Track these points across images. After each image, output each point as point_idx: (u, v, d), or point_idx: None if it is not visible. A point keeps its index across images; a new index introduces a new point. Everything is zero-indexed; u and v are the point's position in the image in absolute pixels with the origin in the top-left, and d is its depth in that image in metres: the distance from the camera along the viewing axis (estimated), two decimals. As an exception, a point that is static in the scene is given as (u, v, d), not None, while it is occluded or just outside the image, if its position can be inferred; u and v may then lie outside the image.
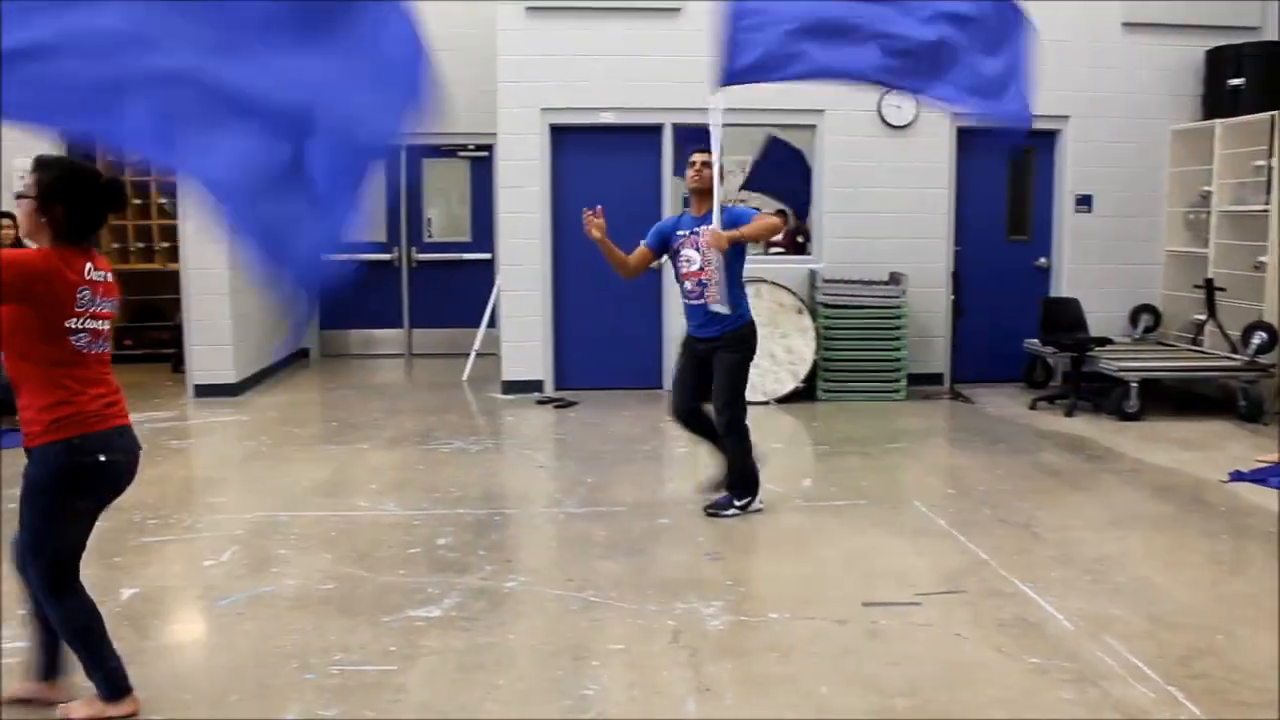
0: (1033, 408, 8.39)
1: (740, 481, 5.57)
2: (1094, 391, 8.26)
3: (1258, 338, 7.93)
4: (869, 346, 8.74)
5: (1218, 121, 8.74)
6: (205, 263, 8.88)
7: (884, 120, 9.06)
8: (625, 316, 9.07)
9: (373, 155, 2.99)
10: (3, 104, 2.57)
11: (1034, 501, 5.83)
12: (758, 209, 10.17)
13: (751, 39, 4.99)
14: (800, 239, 10.19)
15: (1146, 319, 9.35)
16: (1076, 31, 9.09)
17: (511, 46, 8.89)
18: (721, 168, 5.52)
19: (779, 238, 10.78)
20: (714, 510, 5.53)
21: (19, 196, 3.16)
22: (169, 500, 5.86)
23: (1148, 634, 4.01)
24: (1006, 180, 9.54)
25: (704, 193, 5.41)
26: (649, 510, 5.68)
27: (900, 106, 9.02)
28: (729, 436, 5.52)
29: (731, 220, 5.36)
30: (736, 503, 5.55)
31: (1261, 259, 8.16)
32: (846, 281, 8.83)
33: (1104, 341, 8.47)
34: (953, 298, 9.05)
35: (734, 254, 5.37)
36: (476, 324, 10.17)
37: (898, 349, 8.75)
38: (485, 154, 11.14)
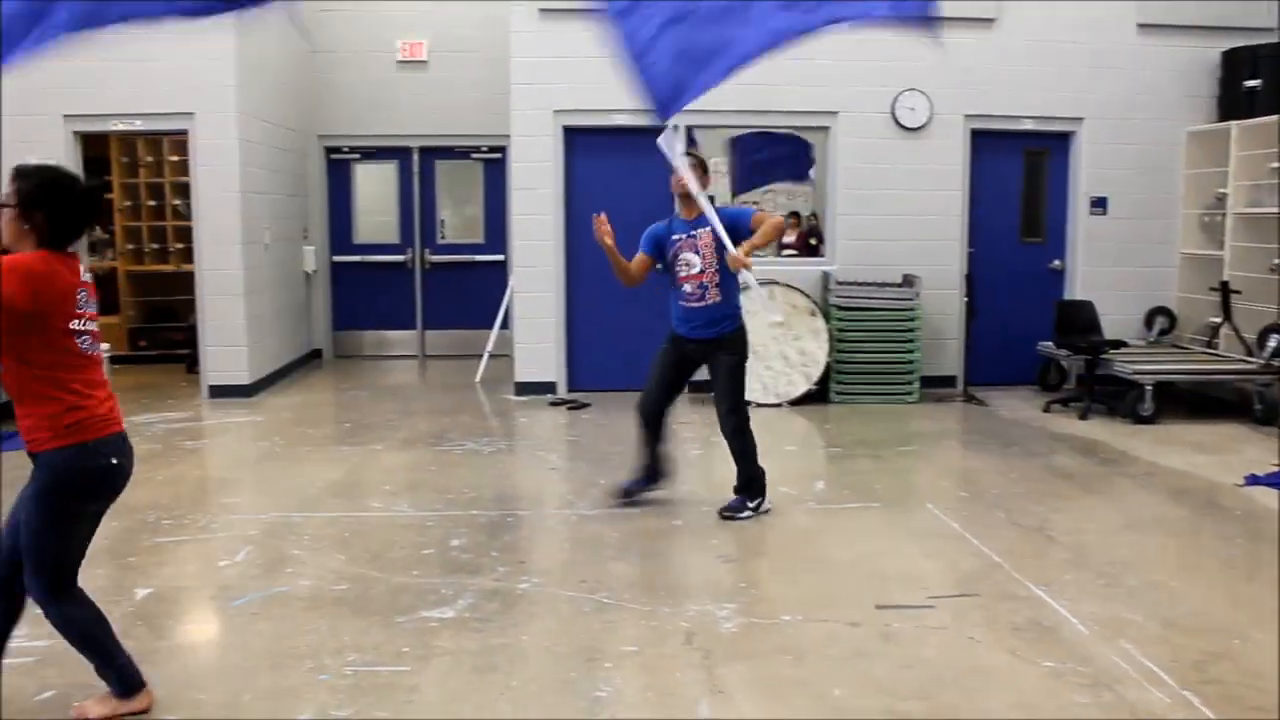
0: (1046, 410, 8.36)
1: (751, 483, 5.59)
2: (1108, 394, 8.23)
3: (1274, 341, 7.89)
4: (882, 349, 8.72)
5: (1233, 123, 8.70)
6: (220, 264, 8.92)
7: (897, 122, 9.04)
8: (638, 318, 9.06)
9: None
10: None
11: (1047, 505, 5.81)
12: (757, 204, 10.20)
13: (651, 66, 4.80)
14: (813, 241, 10.20)
15: (1161, 322, 9.31)
16: (1091, 33, 9.07)
17: (524, 48, 8.91)
18: (701, 163, 5.53)
19: (792, 239, 10.79)
20: (729, 513, 5.53)
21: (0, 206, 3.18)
22: (183, 500, 5.89)
23: (1162, 638, 3.99)
24: (1020, 182, 9.51)
25: (686, 197, 5.42)
26: (662, 512, 5.67)
27: (914, 109, 9.01)
28: (737, 439, 5.54)
29: (729, 220, 5.32)
30: (749, 504, 5.56)
31: (1277, 261, 8.12)
32: (860, 283, 8.82)
33: (1118, 344, 8.43)
34: (966, 300, 9.02)
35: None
36: (489, 325, 10.19)
37: (911, 351, 8.73)
38: (498, 156, 11.16)
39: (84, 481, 3.18)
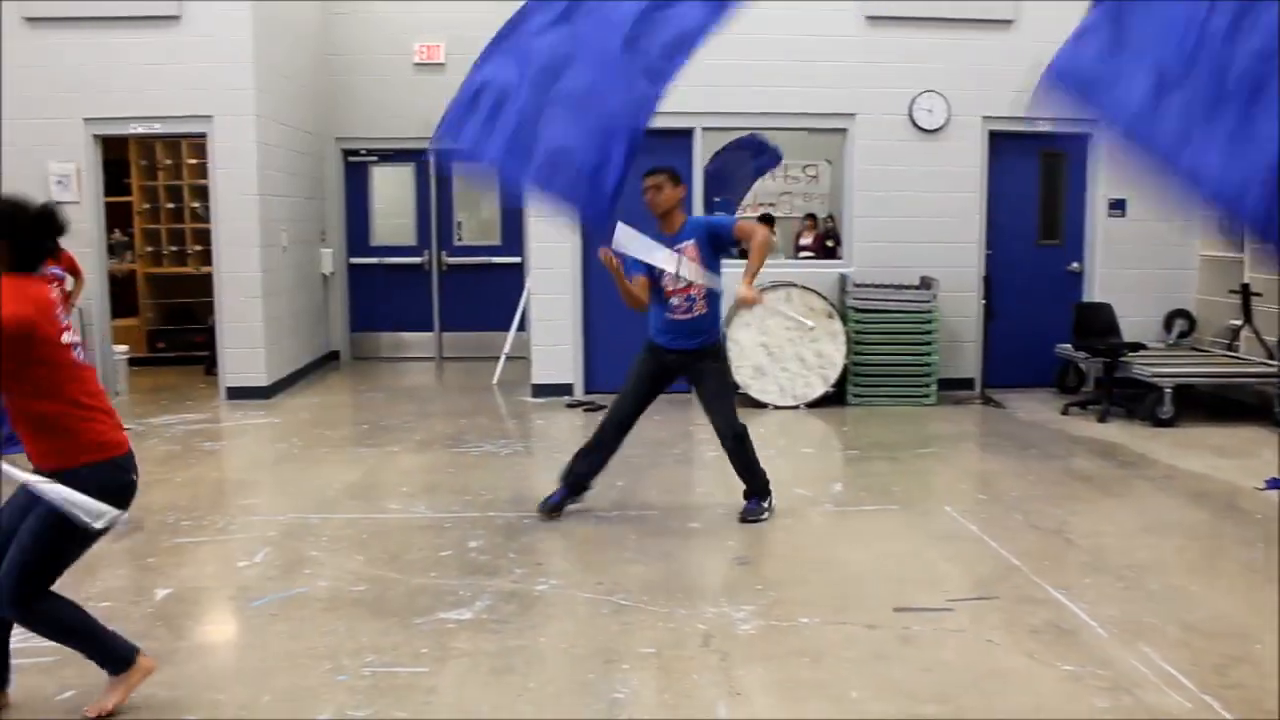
0: (1064, 413, 8.32)
1: (760, 486, 5.61)
2: (1127, 397, 8.19)
3: (1294, 343, 7.85)
4: (899, 351, 8.70)
5: (1254, 124, 8.64)
6: (238, 266, 8.97)
7: (915, 124, 9.02)
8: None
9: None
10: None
11: (1066, 507, 5.79)
12: (773, 206, 10.04)
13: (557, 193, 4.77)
14: (830, 243, 10.17)
15: (1181, 324, 9.26)
16: (1110, 34, 9.01)
17: (541, 51, 8.90)
18: (673, 175, 5.50)
19: (809, 240, 10.76)
20: (751, 517, 5.53)
21: None
22: (202, 502, 5.92)
23: (1182, 642, 3.97)
24: (1038, 184, 9.47)
25: (666, 214, 5.46)
26: (679, 514, 5.68)
27: (931, 110, 8.98)
28: (741, 446, 5.55)
29: (709, 230, 5.40)
30: (764, 505, 5.57)
31: (1298, 263, 8.07)
32: (877, 286, 8.80)
33: (1137, 347, 8.39)
34: (984, 302, 8.99)
35: (712, 268, 5.38)
36: (506, 327, 10.21)
37: (928, 353, 8.70)
38: (515, 158, 11.16)
39: (113, 496, 3.17)
